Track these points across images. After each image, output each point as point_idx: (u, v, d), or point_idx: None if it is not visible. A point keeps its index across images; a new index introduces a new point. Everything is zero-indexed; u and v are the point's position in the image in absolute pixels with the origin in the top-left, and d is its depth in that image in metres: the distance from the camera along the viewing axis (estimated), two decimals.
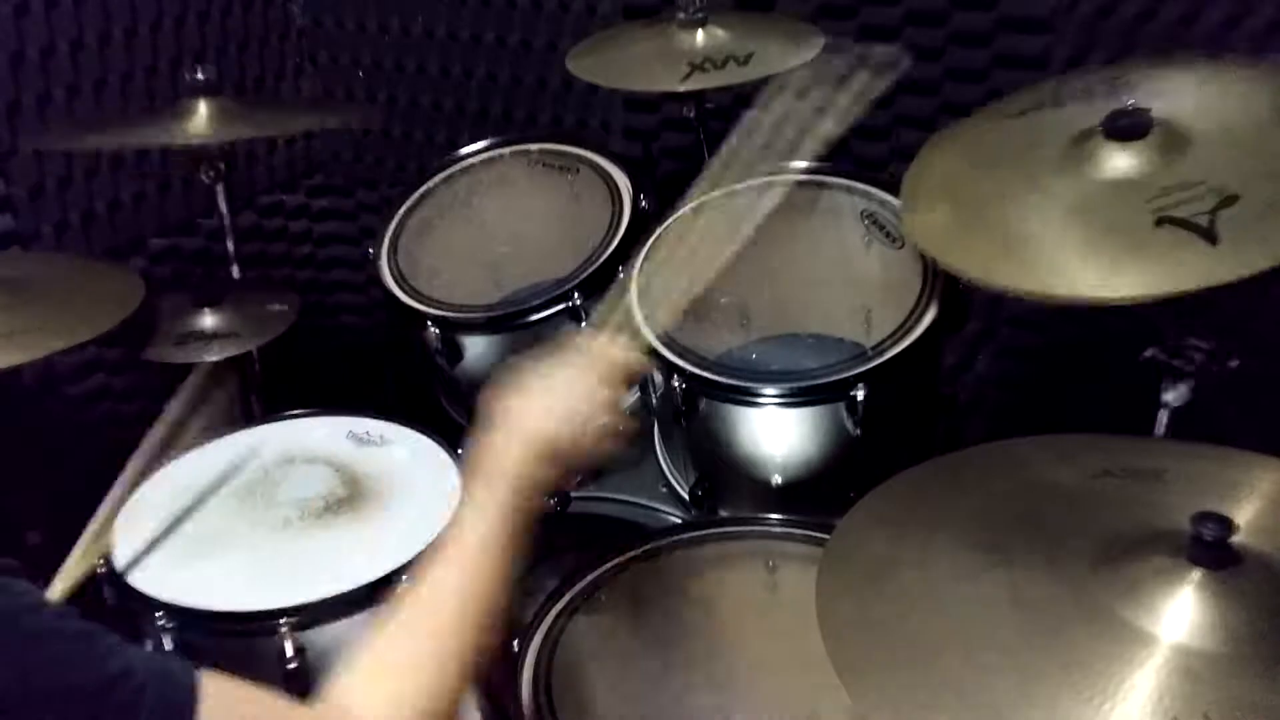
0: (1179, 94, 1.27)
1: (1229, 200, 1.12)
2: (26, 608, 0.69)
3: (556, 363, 1.06)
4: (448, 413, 1.85)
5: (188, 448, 1.59)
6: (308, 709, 0.82)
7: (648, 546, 1.42)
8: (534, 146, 1.90)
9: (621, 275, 1.52)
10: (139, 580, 1.35)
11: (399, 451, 1.59)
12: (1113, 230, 1.16)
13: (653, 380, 1.57)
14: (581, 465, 1.03)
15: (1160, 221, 1.13)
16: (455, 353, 1.68)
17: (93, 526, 1.39)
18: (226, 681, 0.74)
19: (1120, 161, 1.21)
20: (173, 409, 1.56)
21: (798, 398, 1.43)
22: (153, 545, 1.41)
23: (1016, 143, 1.34)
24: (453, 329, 1.67)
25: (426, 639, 0.88)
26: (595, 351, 1.09)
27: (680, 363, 1.47)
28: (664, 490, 1.68)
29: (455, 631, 0.88)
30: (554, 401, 1.01)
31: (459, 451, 1.58)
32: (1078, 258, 1.16)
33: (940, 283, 1.48)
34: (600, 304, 1.29)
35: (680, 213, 1.48)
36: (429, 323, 1.66)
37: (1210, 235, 1.09)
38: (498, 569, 0.92)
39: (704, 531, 1.45)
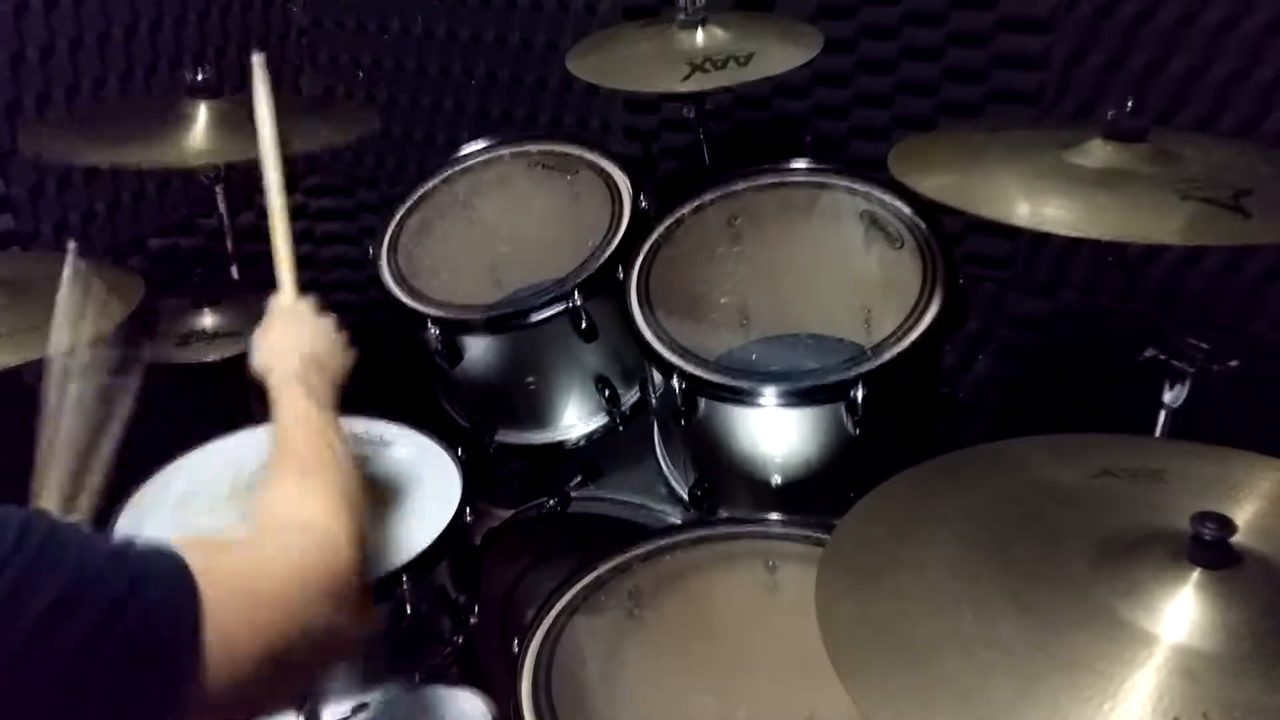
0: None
1: (1245, 191, 1.11)
2: (28, 517, 0.71)
3: (268, 322, 1.27)
4: (448, 413, 1.85)
5: (189, 448, 1.60)
6: (275, 539, 0.91)
7: (648, 546, 1.42)
8: (534, 146, 1.90)
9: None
10: None
11: (399, 451, 1.59)
12: (1139, 193, 1.16)
13: (653, 380, 1.57)
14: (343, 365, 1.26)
15: (1187, 197, 1.12)
16: (455, 353, 1.68)
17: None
18: (189, 538, 0.78)
19: (1120, 159, 1.21)
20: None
21: (797, 398, 1.43)
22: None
23: (1004, 144, 1.34)
24: (453, 329, 1.67)
25: (308, 468, 1.02)
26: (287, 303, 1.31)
27: (680, 363, 1.47)
28: (664, 490, 1.68)
29: (324, 462, 1.03)
30: (289, 341, 1.22)
31: (459, 452, 1.59)
32: (1104, 202, 1.15)
33: (940, 283, 1.48)
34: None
35: None
36: (429, 323, 1.66)
37: (1241, 211, 1.09)
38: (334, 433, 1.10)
39: (704, 531, 1.45)
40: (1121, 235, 1.13)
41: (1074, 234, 1.14)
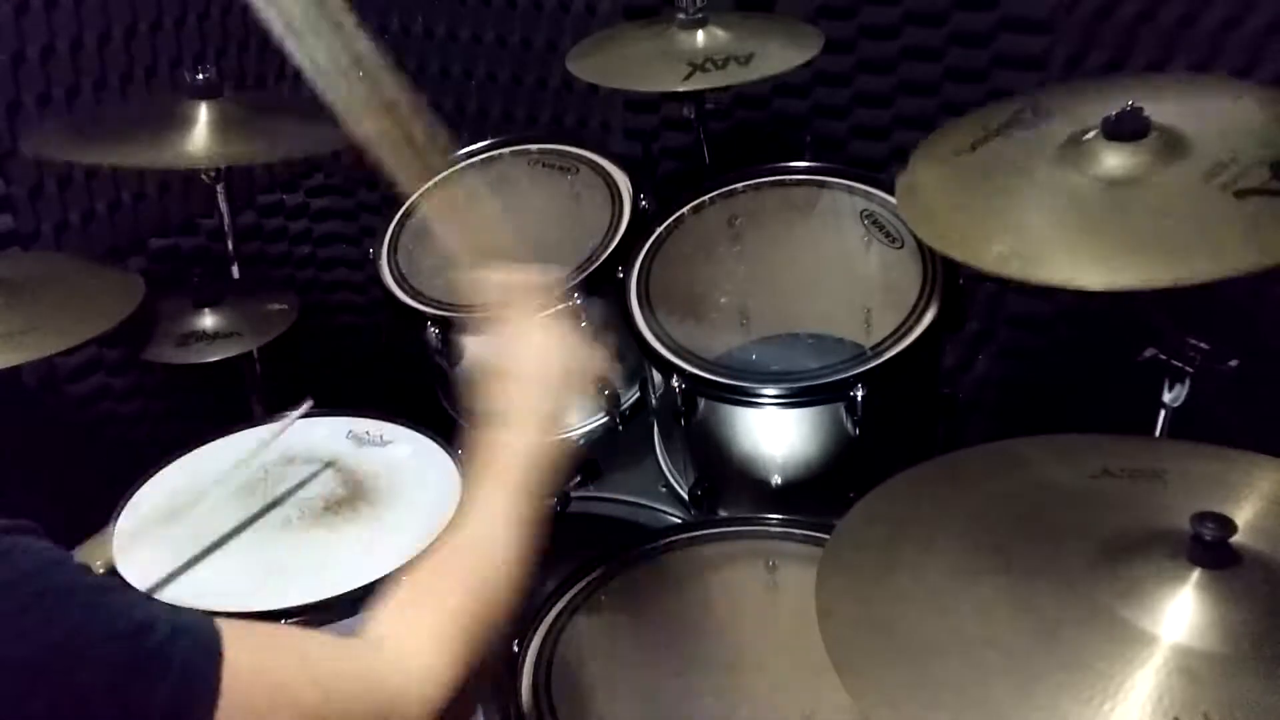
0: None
1: (1278, 163, 1.07)
2: (52, 563, 0.69)
3: (526, 334, 1.08)
4: (448, 413, 1.85)
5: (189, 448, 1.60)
6: (335, 641, 0.82)
7: (648, 546, 1.42)
8: (534, 146, 1.91)
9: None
10: (140, 580, 1.35)
11: (399, 451, 1.59)
12: (1197, 213, 1.09)
13: (652, 380, 1.57)
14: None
15: (1240, 194, 1.06)
16: (455, 353, 1.68)
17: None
18: (245, 627, 0.74)
19: (1130, 162, 1.17)
20: None
21: (797, 398, 1.43)
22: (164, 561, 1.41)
23: (1004, 167, 1.26)
24: (453, 329, 1.67)
25: (463, 580, 0.89)
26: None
27: (680, 363, 1.47)
28: (664, 490, 1.68)
29: (489, 580, 0.90)
30: (546, 370, 1.05)
31: (459, 451, 1.58)
32: (1180, 243, 1.08)
33: (940, 283, 1.48)
34: None
35: None
36: (429, 323, 1.66)
37: None
38: (524, 545, 0.96)
39: (704, 531, 1.45)
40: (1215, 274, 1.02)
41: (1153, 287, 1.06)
